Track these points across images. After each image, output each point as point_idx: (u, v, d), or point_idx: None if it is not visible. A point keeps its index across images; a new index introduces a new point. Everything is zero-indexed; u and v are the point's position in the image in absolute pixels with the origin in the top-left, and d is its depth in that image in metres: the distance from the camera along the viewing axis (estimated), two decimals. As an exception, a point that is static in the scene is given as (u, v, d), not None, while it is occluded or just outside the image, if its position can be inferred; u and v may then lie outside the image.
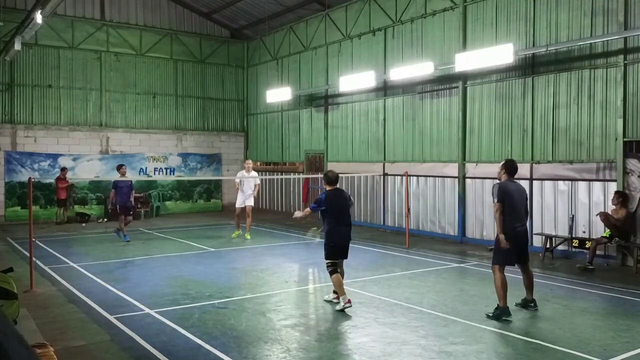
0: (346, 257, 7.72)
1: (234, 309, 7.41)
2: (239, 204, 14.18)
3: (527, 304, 7.32)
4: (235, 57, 22.48)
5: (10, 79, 18.01)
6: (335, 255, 7.48)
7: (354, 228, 8.03)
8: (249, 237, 13.99)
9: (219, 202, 21.64)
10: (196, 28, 21.55)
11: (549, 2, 11.65)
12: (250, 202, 14.18)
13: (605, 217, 10.06)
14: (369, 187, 16.46)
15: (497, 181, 7.42)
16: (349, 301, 7.17)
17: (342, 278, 7.51)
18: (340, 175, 16.84)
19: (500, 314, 6.79)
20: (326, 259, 7.52)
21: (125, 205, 13.37)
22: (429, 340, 6.10)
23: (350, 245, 7.71)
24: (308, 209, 7.87)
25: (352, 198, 7.98)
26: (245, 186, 14.10)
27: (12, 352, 1.57)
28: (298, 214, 8.24)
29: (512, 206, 7.03)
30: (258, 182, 14.61)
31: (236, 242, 13.59)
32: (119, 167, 13.87)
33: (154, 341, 6.03)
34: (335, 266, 7.43)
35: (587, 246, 10.56)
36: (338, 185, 7.88)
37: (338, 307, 7.24)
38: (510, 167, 7.27)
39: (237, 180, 14.30)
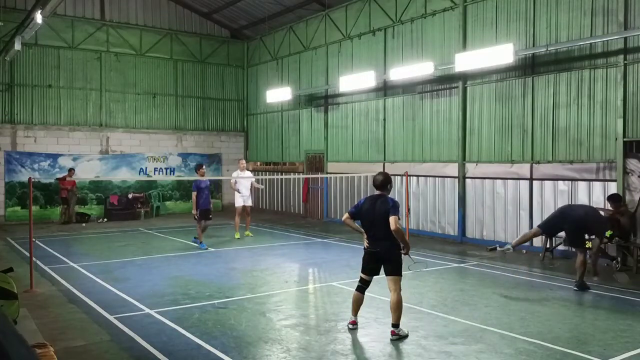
0: (374, 274, 6.45)
1: (234, 309, 7.40)
2: (239, 204, 14.16)
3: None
4: (235, 57, 22.48)
5: (10, 79, 18.01)
6: (362, 269, 6.50)
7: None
8: (250, 234, 14.35)
9: (218, 202, 21.62)
10: (196, 28, 21.54)
11: (549, 2, 11.65)
12: (250, 202, 14.31)
13: (612, 216, 10.05)
14: (369, 187, 16.43)
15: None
16: (353, 322, 6.52)
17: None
18: (339, 175, 17.05)
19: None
20: None
21: (206, 208, 12.47)
22: (429, 340, 6.10)
23: (386, 261, 6.26)
24: (346, 214, 6.61)
25: (391, 206, 6.20)
26: (242, 186, 14.08)
27: (12, 352, 1.57)
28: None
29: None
30: (253, 180, 14.83)
31: (237, 242, 13.59)
32: (199, 167, 12.73)
33: (154, 341, 6.03)
34: (361, 282, 6.49)
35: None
36: (391, 191, 6.60)
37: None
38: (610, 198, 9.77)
39: (233, 181, 14.25)
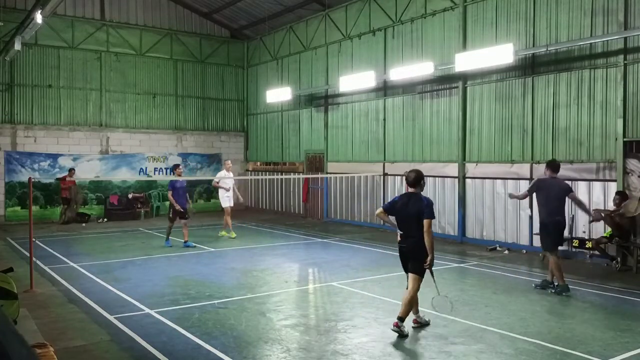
0: (407, 272, 6.52)
1: (234, 309, 7.41)
2: (225, 204, 14.20)
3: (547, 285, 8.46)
4: (235, 57, 22.48)
5: (10, 79, 18.00)
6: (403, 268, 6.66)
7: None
8: (225, 234, 14.28)
9: (218, 202, 21.50)
10: (196, 28, 21.54)
11: (549, 2, 11.65)
12: (232, 203, 14.28)
13: (609, 216, 10.05)
14: (369, 187, 16.45)
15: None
16: (414, 321, 6.55)
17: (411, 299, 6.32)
18: (339, 175, 17.04)
19: (562, 290, 8.13)
20: None
21: (183, 207, 12.61)
22: (428, 340, 6.11)
23: (411, 259, 6.41)
24: (380, 208, 6.70)
25: (425, 205, 6.23)
26: (227, 186, 14.16)
27: (12, 352, 1.57)
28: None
29: (543, 199, 8.45)
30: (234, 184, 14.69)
31: (236, 242, 13.59)
32: (176, 167, 13.08)
33: (154, 341, 6.04)
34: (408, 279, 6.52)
35: (587, 246, 10.57)
36: (423, 189, 6.59)
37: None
38: (550, 166, 8.58)
39: (217, 180, 14.33)
